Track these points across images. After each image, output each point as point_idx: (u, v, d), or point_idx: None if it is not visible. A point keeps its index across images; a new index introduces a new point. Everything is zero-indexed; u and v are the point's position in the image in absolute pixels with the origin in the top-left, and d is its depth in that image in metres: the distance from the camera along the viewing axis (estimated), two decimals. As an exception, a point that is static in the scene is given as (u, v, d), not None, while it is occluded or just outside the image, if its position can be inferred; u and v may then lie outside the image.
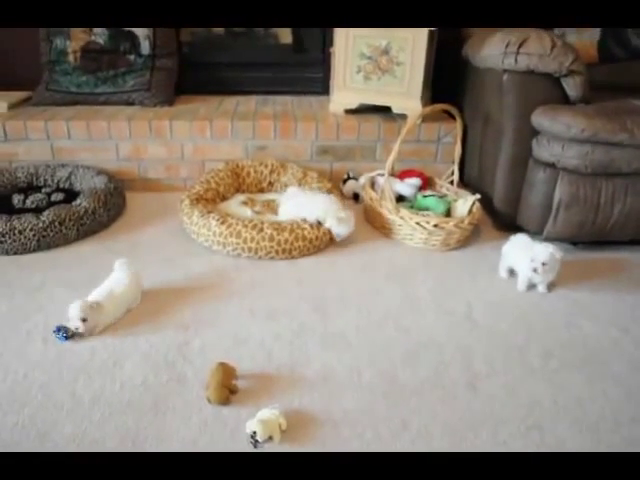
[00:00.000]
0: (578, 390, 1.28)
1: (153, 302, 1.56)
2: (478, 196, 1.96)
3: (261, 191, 2.26)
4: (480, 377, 1.31)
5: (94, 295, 1.45)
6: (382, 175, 2.10)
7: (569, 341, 1.45)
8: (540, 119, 1.75)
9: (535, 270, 1.61)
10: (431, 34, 2.19)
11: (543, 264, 1.60)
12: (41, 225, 1.78)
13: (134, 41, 2.46)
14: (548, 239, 1.87)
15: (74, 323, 1.36)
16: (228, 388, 1.20)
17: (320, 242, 1.85)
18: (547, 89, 1.79)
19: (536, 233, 1.88)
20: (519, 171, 1.87)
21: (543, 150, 1.77)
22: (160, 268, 1.73)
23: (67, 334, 1.38)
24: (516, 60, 1.75)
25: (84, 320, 1.36)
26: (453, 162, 2.12)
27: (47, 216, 1.81)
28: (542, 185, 1.80)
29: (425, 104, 2.27)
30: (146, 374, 1.28)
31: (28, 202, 2.01)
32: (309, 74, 2.76)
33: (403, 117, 2.31)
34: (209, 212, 1.87)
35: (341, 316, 1.53)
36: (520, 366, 1.35)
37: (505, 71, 1.81)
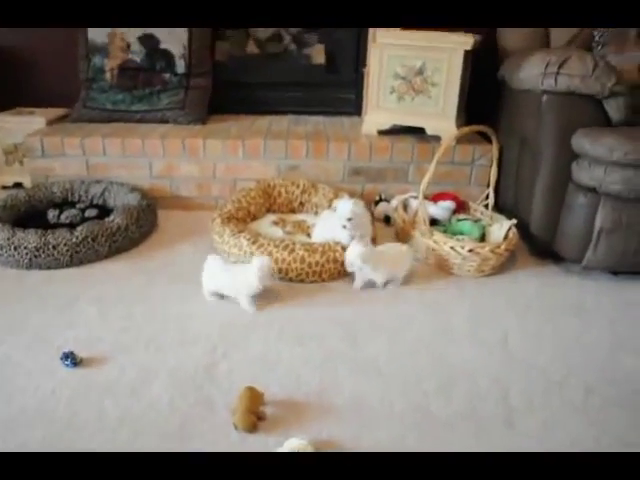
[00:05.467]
0: (622, 429, 1.21)
1: (181, 322, 1.54)
2: (514, 221, 1.90)
3: (292, 211, 2.24)
4: (517, 412, 1.25)
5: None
6: (415, 197, 2.07)
7: (612, 376, 1.38)
8: (581, 141, 1.69)
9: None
10: (466, 55, 2.17)
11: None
12: (74, 240, 1.80)
13: (170, 60, 2.50)
14: (588, 268, 1.80)
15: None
16: (255, 414, 1.17)
17: (351, 264, 1.82)
18: (588, 111, 1.73)
19: (575, 261, 1.82)
20: (558, 196, 1.81)
21: (584, 174, 1.71)
22: (189, 287, 1.71)
23: (75, 360, 1.34)
24: (556, 81, 1.70)
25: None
26: (487, 185, 2.07)
27: (80, 232, 1.82)
28: (582, 210, 1.74)
29: (460, 126, 2.23)
30: (173, 395, 1.26)
31: (62, 217, 2.04)
32: (341, 95, 2.76)
33: (437, 139, 2.28)
34: (240, 231, 1.86)
35: (372, 342, 1.48)
36: (560, 402, 1.29)
37: (544, 92, 1.77)
